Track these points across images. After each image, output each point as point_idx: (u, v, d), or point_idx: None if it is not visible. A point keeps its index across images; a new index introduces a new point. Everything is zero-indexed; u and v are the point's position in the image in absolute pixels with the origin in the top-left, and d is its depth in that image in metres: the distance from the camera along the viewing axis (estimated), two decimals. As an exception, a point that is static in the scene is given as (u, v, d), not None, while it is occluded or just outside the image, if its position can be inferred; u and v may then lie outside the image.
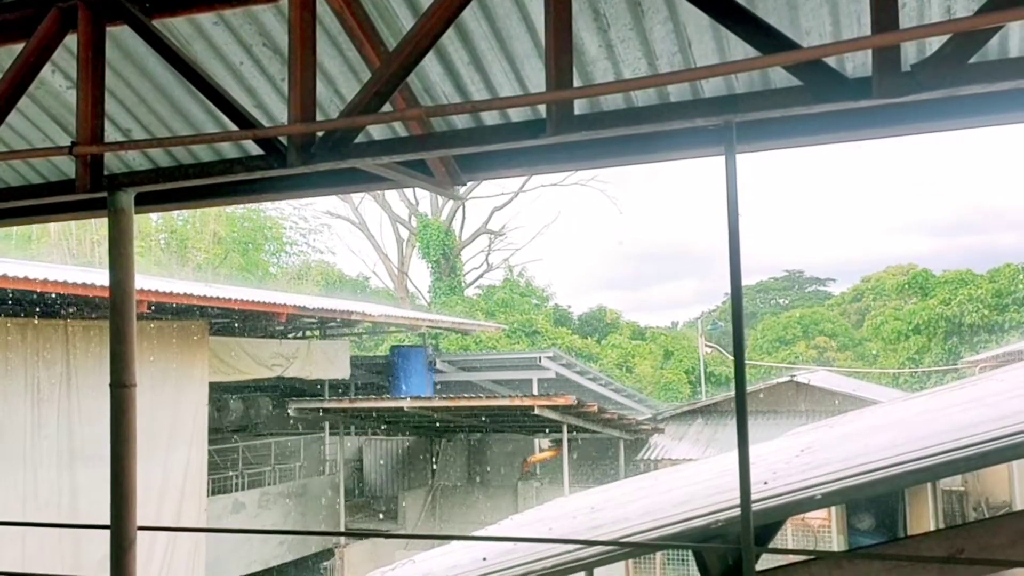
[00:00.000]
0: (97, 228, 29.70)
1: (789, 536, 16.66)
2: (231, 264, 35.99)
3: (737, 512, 3.73)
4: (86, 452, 12.66)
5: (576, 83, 3.38)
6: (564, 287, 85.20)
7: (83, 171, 3.92)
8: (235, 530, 16.94)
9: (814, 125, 3.52)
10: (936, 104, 3.25)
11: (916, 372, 31.43)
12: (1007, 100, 3.20)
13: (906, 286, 38.09)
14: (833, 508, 16.73)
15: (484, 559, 5.19)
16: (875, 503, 16.88)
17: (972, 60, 2.80)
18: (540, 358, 25.18)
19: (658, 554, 17.55)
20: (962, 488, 18.70)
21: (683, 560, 17.33)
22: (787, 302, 52.66)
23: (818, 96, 3.01)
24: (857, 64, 3.44)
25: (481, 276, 44.98)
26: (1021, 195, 67.95)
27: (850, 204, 79.37)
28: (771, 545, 4.68)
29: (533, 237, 61.64)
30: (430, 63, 3.85)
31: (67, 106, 4.43)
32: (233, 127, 3.86)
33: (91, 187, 3.92)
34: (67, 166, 4.70)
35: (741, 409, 3.34)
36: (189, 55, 3.83)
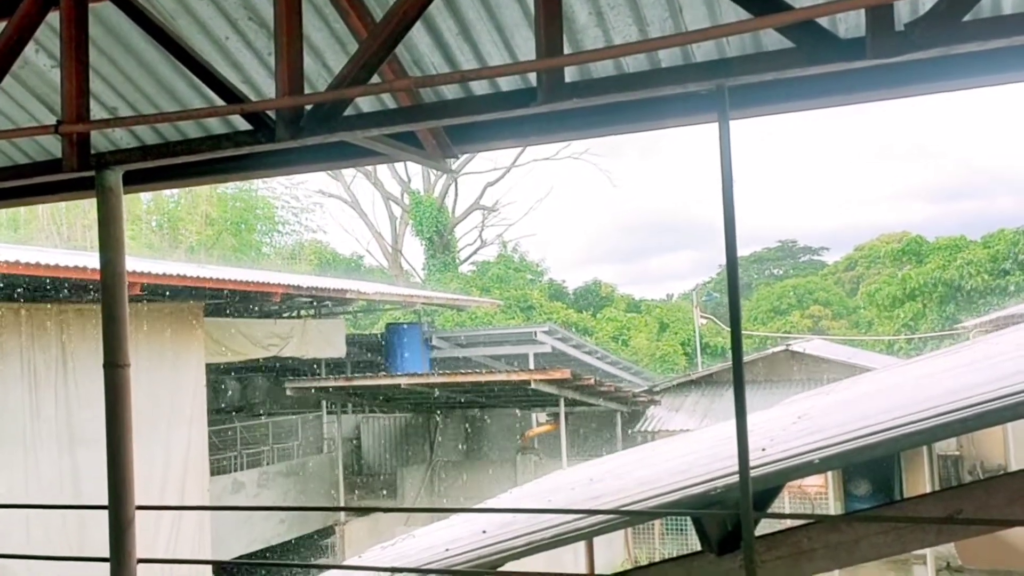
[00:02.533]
0: (87, 212, 29.54)
1: (787, 503, 16.80)
2: (224, 245, 35.88)
3: (735, 478, 3.75)
4: (87, 435, 12.67)
5: (566, 51, 3.34)
6: (558, 261, 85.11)
7: (70, 150, 3.87)
8: (235, 507, 17.04)
9: (808, 88, 3.48)
10: (931, 64, 3.22)
11: (911, 339, 31.53)
12: (1002, 59, 3.17)
13: (900, 253, 38.14)
14: (830, 475, 16.87)
15: (484, 532, 5.20)
16: (871, 469, 17.01)
17: (966, 18, 2.77)
18: (536, 333, 25.24)
19: (657, 524, 17.71)
20: (957, 453, 18.85)
21: (681, 529, 17.50)
22: (781, 272, 52.81)
23: (811, 58, 2.98)
24: (850, 25, 3.41)
25: (475, 252, 45.00)
26: (1016, 157, 67.99)
27: (844, 172, 79.44)
28: (769, 511, 4.70)
29: (526, 212, 61.56)
30: (418, 34, 3.80)
31: (52, 85, 4.38)
32: (220, 103, 3.82)
33: (78, 166, 3.88)
34: (53, 146, 4.65)
35: (738, 374, 3.33)
36: (174, 30, 3.78)
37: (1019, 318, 18.83)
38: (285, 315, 21.46)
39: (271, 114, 3.67)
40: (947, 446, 18.36)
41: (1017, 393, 3.77)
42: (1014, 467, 16.98)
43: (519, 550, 4.55)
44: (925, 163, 74.11)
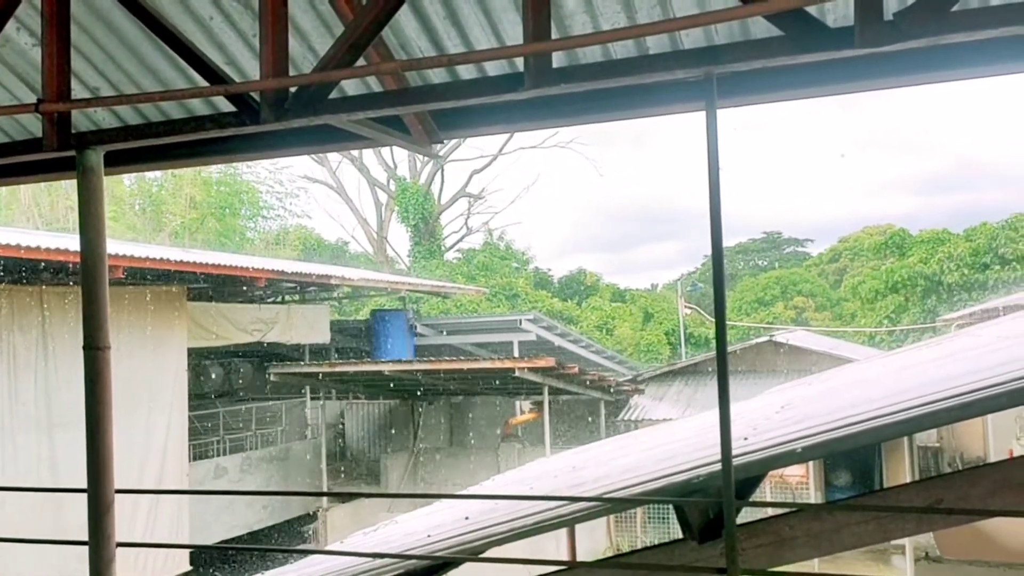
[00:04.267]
0: (68, 194, 29.27)
1: (768, 493, 16.90)
2: (208, 229, 35.65)
3: (718, 467, 3.75)
4: (65, 419, 12.58)
5: (554, 36, 3.31)
6: (544, 250, 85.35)
7: (50, 129, 3.82)
8: (216, 491, 16.97)
9: (796, 77, 3.47)
10: (920, 54, 3.22)
11: (893, 331, 31.74)
12: (992, 50, 3.17)
13: (883, 246, 38.37)
14: (811, 465, 16.98)
15: (466, 518, 5.20)
16: (852, 460, 17.15)
17: (955, 8, 2.77)
18: (520, 321, 25.24)
19: (639, 512, 17.78)
20: (937, 444, 19.00)
21: (663, 518, 17.58)
22: (766, 263, 52.95)
23: (800, 46, 2.97)
24: (839, 14, 3.40)
25: (461, 240, 44.90)
26: (1005, 150, 68.37)
27: (830, 163, 79.59)
28: (751, 500, 4.72)
29: (513, 200, 61.26)
30: (405, 18, 3.77)
31: (33, 64, 4.31)
32: (204, 84, 3.77)
33: (59, 146, 3.83)
34: (34, 125, 4.59)
35: (722, 363, 3.33)
36: (157, 9, 3.73)
37: (998, 312, 18.98)
38: (269, 300, 21.37)
39: (255, 96, 3.63)
40: (927, 437, 18.51)
41: (1001, 384, 3.79)
42: (993, 459, 17.13)
43: (501, 536, 4.55)
44: (913, 154, 74.37)
